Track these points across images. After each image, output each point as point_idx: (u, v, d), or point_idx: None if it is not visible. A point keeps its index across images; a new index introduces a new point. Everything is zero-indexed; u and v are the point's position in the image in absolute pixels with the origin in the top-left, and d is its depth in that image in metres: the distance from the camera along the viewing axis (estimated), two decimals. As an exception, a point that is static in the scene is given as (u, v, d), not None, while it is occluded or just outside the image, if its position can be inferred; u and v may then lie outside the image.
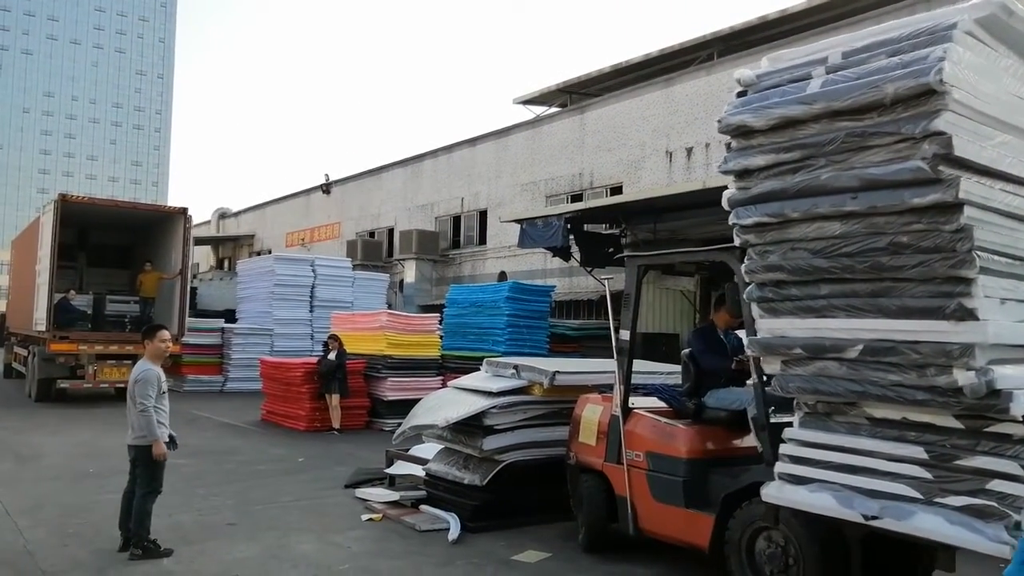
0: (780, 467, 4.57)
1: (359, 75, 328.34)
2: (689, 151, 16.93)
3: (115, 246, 19.70)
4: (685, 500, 5.35)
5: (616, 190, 18.50)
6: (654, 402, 6.13)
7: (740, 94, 4.88)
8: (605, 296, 6.57)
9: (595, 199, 18.06)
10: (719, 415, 5.61)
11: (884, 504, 4.09)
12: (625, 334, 6.05)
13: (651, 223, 16.64)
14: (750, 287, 4.80)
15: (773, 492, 4.58)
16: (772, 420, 4.93)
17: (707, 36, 19.19)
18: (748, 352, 4.90)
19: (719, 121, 4.85)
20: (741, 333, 6.01)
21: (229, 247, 38.01)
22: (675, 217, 16.08)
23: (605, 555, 6.01)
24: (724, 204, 4.88)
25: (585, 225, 16.85)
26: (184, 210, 16.60)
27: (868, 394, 4.18)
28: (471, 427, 6.90)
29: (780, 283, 4.61)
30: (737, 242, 4.85)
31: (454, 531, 6.47)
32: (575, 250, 16.64)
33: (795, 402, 4.63)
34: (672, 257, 6.85)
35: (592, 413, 6.28)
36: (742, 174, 4.80)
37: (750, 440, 5.36)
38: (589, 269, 17.17)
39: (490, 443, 6.76)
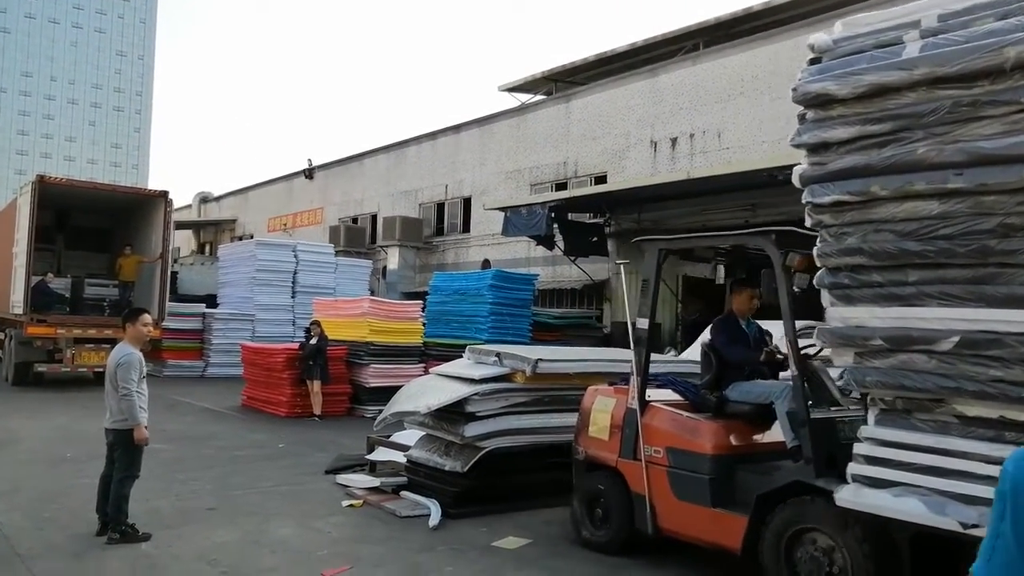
0: (855, 468, 4.20)
1: (343, 60, 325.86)
2: (674, 141, 16.96)
3: (94, 229, 19.45)
4: (712, 499, 5.04)
5: (601, 179, 18.51)
6: (667, 394, 5.83)
7: (813, 61, 4.44)
8: (620, 281, 6.21)
9: (580, 188, 18.06)
10: (742, 409, 5.34)
11: (984, 511, 3.65)
12: (643, 322, 5.72)
13: (635, 212, 16.71)
14: (820, 272, 4.40)
15: (849, 496, 4.17)
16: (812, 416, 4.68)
17: (692, 27, 19.20)
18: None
19: (794, 89, 4.40)
20: (769, 325, 5.84)
21: (211, 232, 37.68)
22: (659, 207, 16.15)
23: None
24: (795, 181, 4.47)
25: (569, 214, 16.90)
26: (165, 193, 16.41)
27: (962, 390, 3.79)
28: (453, 414, 6.90)
29: (858, 268, 4.21)
30: (809, 222, 4.44)
31: (435, 517, 6.48)
32: (559, 239, 16.68)
33: (868, 398, 4.28)
34: (697, 241, 6.31)
35: (604, 406, 5.91)
36: (817, 148, 4.36)
37: (772, 435, 5.18)
38: (573, 258, 17.22)
39: (472, 430, 6.76)
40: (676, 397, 5.79)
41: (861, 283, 4.22)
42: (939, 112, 3.84)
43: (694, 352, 7.78)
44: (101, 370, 15.27)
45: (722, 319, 5.81)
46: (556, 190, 19.12)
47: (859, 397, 5.52)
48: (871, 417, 4.24)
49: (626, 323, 17.77)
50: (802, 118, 4.47)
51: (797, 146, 4.49)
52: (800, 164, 4.49)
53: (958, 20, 3.93)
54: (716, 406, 5.45)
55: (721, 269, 6.18)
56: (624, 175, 17.85)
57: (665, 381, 6.02)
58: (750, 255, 6.03)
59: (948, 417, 3.94)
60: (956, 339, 3.78)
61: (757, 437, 5.31)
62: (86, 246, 19.30)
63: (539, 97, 23.70)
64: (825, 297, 4.40)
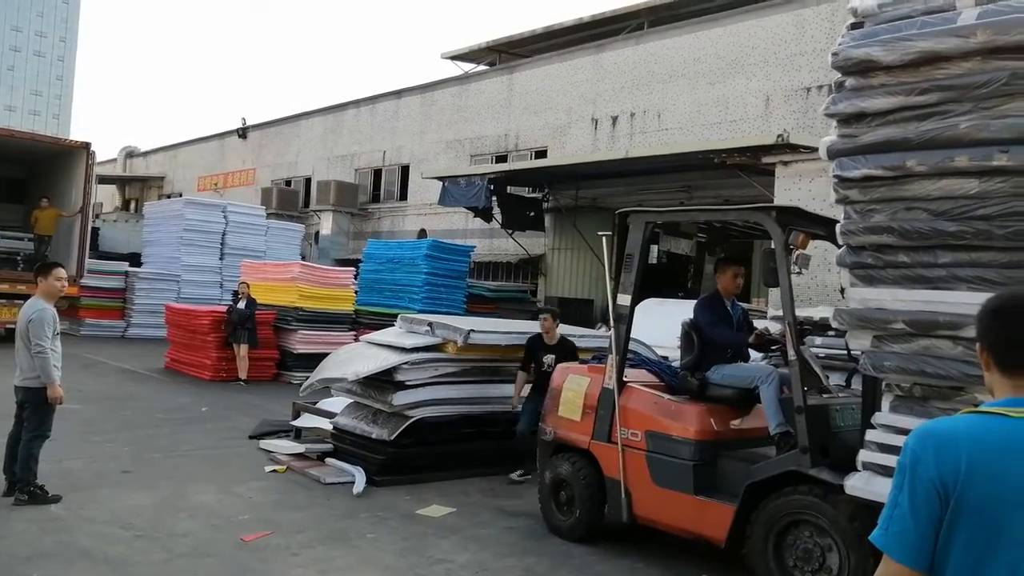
0: (866, 456, 4.01)
1: (283, 15, 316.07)
2: (615, 120, 17.04)
3: (8, 179, 18.46)
4: (695, 486, 4.82)
5: (541, 154, 18.51)
6: (640, 375, 5.58)
7: (855, 26, 4.18)
8: (602, 255, 5.85)
9: (520, 161, 18.02)
10: (723, 392, 5.11)
11: None
12: (625, 299, 5.33)
13: (574, 189, 16.79)
14: (842, 251, 4.19)
15: (860, 484, 3.98)
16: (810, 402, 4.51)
17: (638, 5, 19.23)
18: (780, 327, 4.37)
19: (834, 54, 4.13)
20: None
21: (137, 188, 36.28)
22: (598, 184, 16.26)
23: (507, 511, 6.09)
24: (822, 153, 4.24)
25: (508, 187, 16.86)
26: (87, 145, 15.68)
27: None
28: (382, 382, 6.85)
29: (884, 247, 4.00)
30: (834, 197, 4.22)
31: (359, 484, 6.43)
32: (497, 212, 16.64)
33: (883, 384, 4.13)
34: (688, 215, 5.93)
35: (576, 385, 5.61)
36: (850, 119, 4.13)
37: (752, 420, 5.06)
38: (510, 231, 17.22)
39: (400, 398, 6.72)
40: (650, 378, 5.54)
41: (886, 263, 4.02)
42: (992, 84, 3.61)
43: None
44: (12, 326, 14.63)
45: (707, 298, 5.55)
46: (496, 162, 19.04)
47: (845, 384, 5.48)
48: (885, 404, 4.09)
49: (559, 298, 17.81)
50: (839, 86, 4.21)
51: (831, 115, 4.24)
52: (829, 136, 4.27)
53: None
54: (698, 389, 5.20)
55: (684, 244, 5.99)
56: (564, 151, 17.88)
57: (639, 361, 5.80)
58: (731, 233, 5.86)
59: (967, 406, 3.81)
60: None
61: (737, 422, 5.14)
62: (0, 197, 18.36)
63: (482, 67, 23.47)
64: (845, 277, 4.24)
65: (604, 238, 5.83)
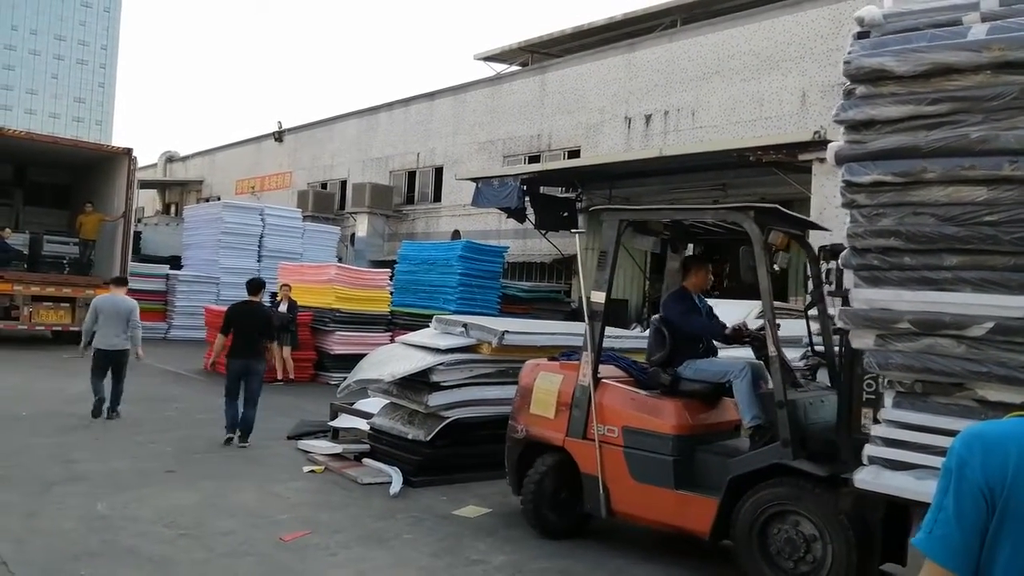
0: (872, 450, 4.15)
1: (317, 20, 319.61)
2: (648, 118, 16.95)
3: (54, 185, 19.01)
4: (676, 481, 4.88)
5: (574, 153, 18.47)
6: (609, 371, 5.60)
7: (861, 35, 4.28)
8: (579, 250, 6.13)
9: (552, 162, 18.00)
10: (694, 387, 5.20)
11: None
12: (599, 296, 5.42)
13: (607, 188, 16.74)
14: (846, 253, 4.30)
15: (868, 478, 4.11)
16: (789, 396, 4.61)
17: (670, 3, 19.10)
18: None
19: (847, 63, 4.23)
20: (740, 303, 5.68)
21: (176, 192, 36.98)
22: (631, 183, 16.19)
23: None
24: (830, 159, 4.37)
25: (541, 187, 16.87)
26: (129, 151, 16.06)
27: (992, 375, 3.81)
28: (417, 383, 6.89)
29: (890, 250, 4.13)
30: (841, 201, 4.31)
31: (396, 485, 6.49)
32: (530, 212, 16.65)
33: (885, 380, 4.24)
34: (660, 214, 5.84)
35: (548, 382, 5.58)
36: (859, 126, 4.24)
37: (722, 414, 5.16)
38: (543, 232, 17.22)
39: (436, 399, 6.76)
40: (619, 374, 5.58)
41: (891, 265, 4.15)
42: (1003, 97, 3.75)
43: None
44: (60, 328, 15.04)
45: (676, 293, 5.65)
46: (529, 163, 19.05)
47: (808, 377, 5.56)
48: (888, 399, 4.21)
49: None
50: (849, 93, 4.31)
51: (841, 122, 4.34)
52: (836, 142, 4.38)
53: (1019, 6, 3.85)
54: (670, 384, 5.25)
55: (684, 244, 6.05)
56: (597, 150, 17.82)
57: (607, 357, 5.77)
58: (697, 231, 5.92)
59: (968, 401, 3.93)
60: (990, 325, 3.77)
61: (704, 416, 5.21)
62: (46, 202, 18.89)
63: (515, 68, 23.49)
64: (849, 278, 4.33)
65: (578, 236, 5.89)
